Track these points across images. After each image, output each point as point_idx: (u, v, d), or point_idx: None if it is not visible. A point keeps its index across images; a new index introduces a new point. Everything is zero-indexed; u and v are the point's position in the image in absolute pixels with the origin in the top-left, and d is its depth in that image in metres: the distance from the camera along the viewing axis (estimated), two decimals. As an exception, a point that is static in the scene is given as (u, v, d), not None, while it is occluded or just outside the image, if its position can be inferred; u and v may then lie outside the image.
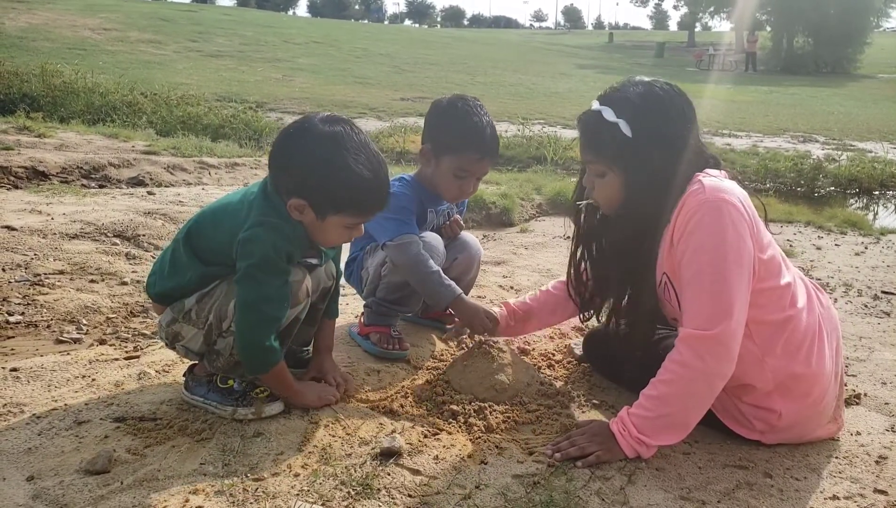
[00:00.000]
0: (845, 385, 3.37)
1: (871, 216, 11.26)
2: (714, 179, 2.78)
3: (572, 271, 3.42)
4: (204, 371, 3.07)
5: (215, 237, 2.95)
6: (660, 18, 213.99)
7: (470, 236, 4.24)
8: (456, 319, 3.87)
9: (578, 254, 3.36)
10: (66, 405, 3.00)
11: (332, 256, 3.30)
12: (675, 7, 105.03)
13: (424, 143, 3.86)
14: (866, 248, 7.71)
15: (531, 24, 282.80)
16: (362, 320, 3.88)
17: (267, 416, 2.94)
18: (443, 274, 3.66)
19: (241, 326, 2.85)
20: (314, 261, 3.14)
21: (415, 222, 3.79)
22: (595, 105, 2.93)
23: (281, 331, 2.97)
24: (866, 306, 5.48)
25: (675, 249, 2.80)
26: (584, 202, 3.20)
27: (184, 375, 3.15)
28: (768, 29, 67.91)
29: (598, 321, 3.53)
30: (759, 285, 2.78)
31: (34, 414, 2.91)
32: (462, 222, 4.23)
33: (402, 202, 3.74)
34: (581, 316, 3.58)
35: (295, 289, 2.92)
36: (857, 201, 12.83)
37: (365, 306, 3.91)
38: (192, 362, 3.16)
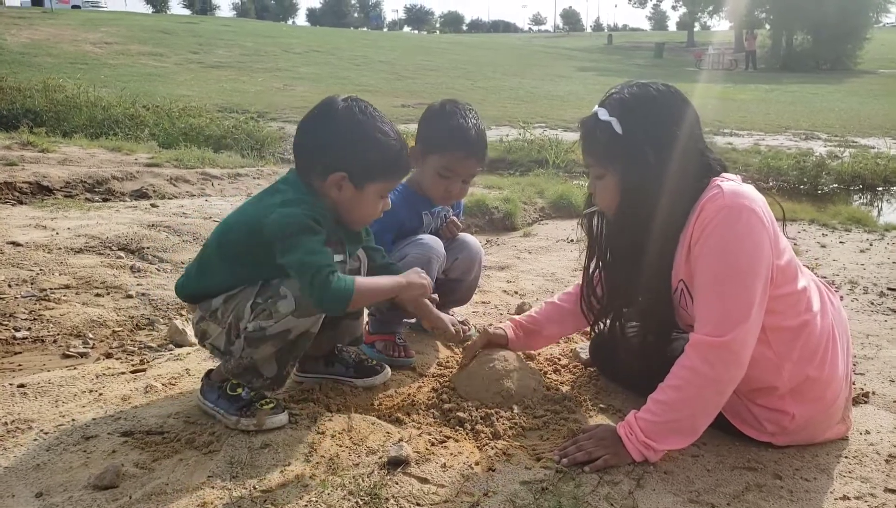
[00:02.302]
0: (853, 384, 3.36)
1: (875, 213, 11.31)
2: (733, 184, 2.75)
3: (585, 282, 3.35)
4: (219, 377, 3.09)
5: (239, 226, 3.02)
6: (658, 19, 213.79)
7: (469, 237, 4.26)
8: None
9: (592, 264, 3.29)
10: (73, 420, 3.00)
11: (355, 251, 3.30)
12: (674, 7, 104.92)
13: (416, 144, 3.89)
14: (871, 245, 7.71)
15: (530, 28, 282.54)
16: (368, 328, 3.87)
17: (268, 428, 2.93)
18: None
19: (305, 291, 2.82)
20: (339, 257, 3.08)
21: (388, 235, 3.81)
22: (595, 108, 2.93)
23: (292, 342, 2.96)
24: (872, 303, 5.47)
25: (692, 254, 2.77)
26: (591, 209, 3.18)
27: (202, 379, 3.18)
28: (767, 27, 68.06)
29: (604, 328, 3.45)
30: (776, 291, 2.75)
31: (42, 430, 2.91)
32: (460, 223, 4.24)
33: (384, 219, 3.74)
34: (591, 330, 3.51)
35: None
36: (860, 198, 12.86)
37: (370, 314, 3.91)
38: (208, 367, 3.16)
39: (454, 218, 4.20)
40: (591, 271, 3.29)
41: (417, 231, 3.92)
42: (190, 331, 4.14)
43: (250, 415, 2.95)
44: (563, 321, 3.61)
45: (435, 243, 3.83)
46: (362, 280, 2.98)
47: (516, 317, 3.69)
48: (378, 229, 3.65)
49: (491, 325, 3.68)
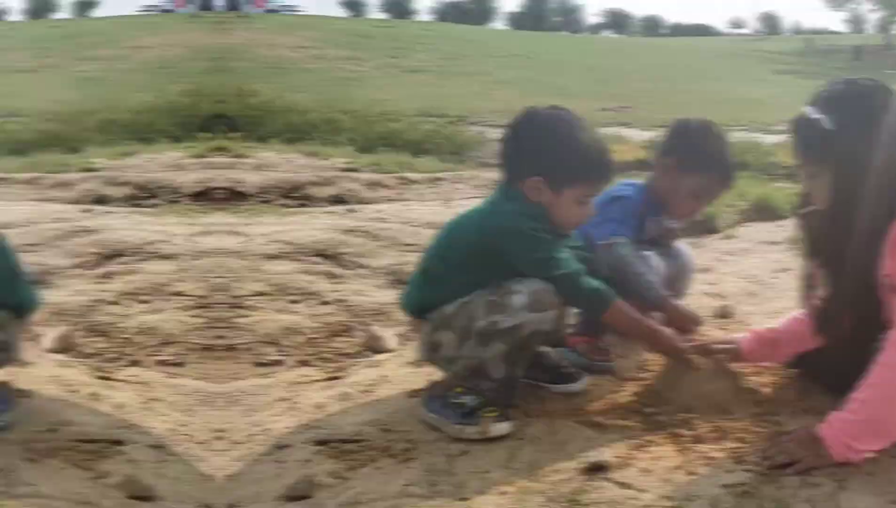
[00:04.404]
0: None
1: None
2: None
3: (805, 285, 3.25)
4: (442, 388, 3.11)
5: (463, 237, 3.17)
6: (856, 22, 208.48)
7: (685, 248, 4.27)
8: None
9: (811, 265, 3.20)
10: (265, 429, 3.03)
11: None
12: (871, 11, 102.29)
13: (668, 156, 3.93)
14: None
15: (729, 31, 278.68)
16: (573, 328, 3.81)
17: (493, 436, 2.90)
18: (648, 278, 3.63)
19: (570, 297, 3.04)
20: None
21: (631, 227, 3.79)
22: (804, 107, 2.89)
23: (523, 341, 2.98)
24: None
25: None
26: (807, 209, 3.10)
27: (424, 390, 3.20)
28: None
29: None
30: None
31: (233, 440, 2.94)
32: (676, 232, 4.22)
33: (627, 207, 3.80)
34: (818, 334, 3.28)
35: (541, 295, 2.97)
36: None
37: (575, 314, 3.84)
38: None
39: (672, 226, 4.17)
40: (810, 272, 3.20)
41: (636, 235, 3.88)
42: (388, 337, 4.14)
43: (474, 423, 2.92)
44: (806, 337, 3.33)
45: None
46: (624, 304, 3.09)
47: (756, 329, 3.53)
48: (622, 217, 3.73)
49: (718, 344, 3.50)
